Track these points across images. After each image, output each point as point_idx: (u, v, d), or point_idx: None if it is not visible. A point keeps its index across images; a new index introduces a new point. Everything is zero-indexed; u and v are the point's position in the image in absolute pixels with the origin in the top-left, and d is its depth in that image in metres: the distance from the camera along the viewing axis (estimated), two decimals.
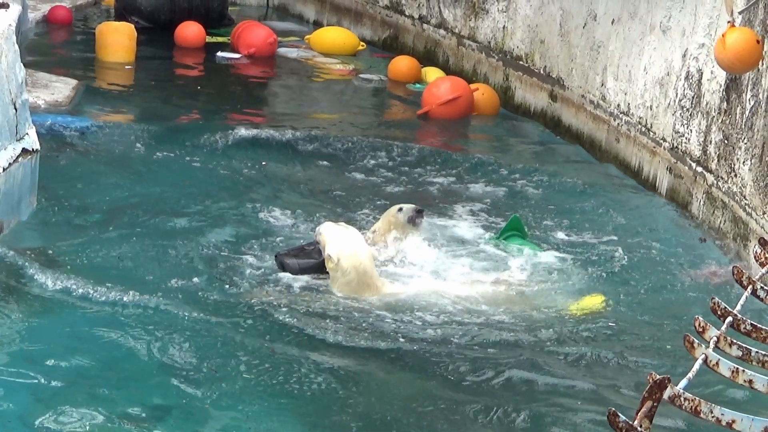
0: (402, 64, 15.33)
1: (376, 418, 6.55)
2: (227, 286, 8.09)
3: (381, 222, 9.18)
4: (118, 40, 14.72)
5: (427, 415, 6.65)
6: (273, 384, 6.75)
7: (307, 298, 8.06)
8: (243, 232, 9.21)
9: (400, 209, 9.12)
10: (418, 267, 8.75)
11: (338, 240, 8.26)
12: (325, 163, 11.55)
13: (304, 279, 8.29)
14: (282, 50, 16.23)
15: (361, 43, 16.71)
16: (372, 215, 9.86)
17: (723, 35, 9.17)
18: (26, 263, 8.02)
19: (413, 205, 9.21)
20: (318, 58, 16.12)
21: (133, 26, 15.07)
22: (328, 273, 8.27)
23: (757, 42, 9.02)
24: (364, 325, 7.72)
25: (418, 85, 14.81)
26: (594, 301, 8.41)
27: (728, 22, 9.34)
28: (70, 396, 6.35)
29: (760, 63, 9.24)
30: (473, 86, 13.99)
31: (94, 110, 12.34)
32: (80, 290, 7.66)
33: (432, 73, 15.00)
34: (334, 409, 6.56)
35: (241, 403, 6.47)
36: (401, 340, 7.57)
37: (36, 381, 6.47)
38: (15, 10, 9.54)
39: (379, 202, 10.25)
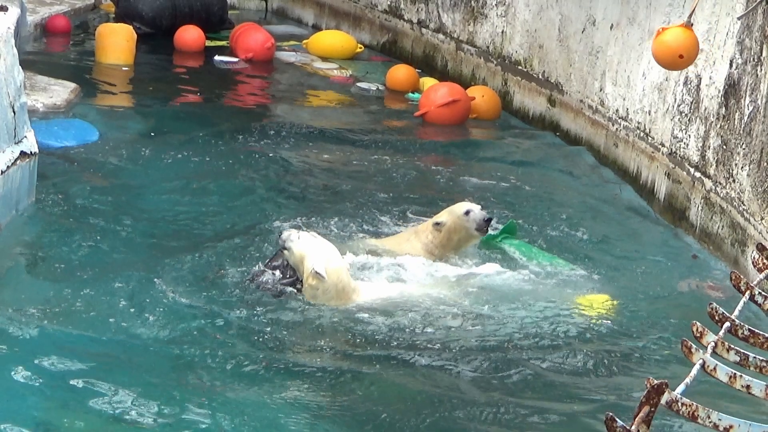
0: (400, 72, 15.27)
1: (370, 425, 6.55)
2: (221, 295, 8.02)
3: (447, 217, 8.87)
4: (115, 41, 14.71)
5: (418, 420, 6.63)
6: (268, 394, 6.72)
7: (291, 309, 7.93)
8: (241, 234, 9.20)
9: (467, 212, 8.83)
10: (410, 266, 8.68)
11: (320, 255, 7.90)
12: (324, 162, 11.57)
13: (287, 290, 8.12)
14: (280, 54, 16.24)
15: (359, 45, 16.71)
16: (371, 215, 9.86)
17: (662, 29, 9.00)
18: (22, 265, 8.02)
19: (481, 211, 8.89)
20: (316, 63, 16.10)
21: (131, 27, 15.07)
22: (296, 286, 7.95)
23: (680, 57, 8.84)
24: (351, 332, 7.67)
25: (416, 95, 14.79)
26: (600, 299, 8.41)
27: (684, 22, 9.21)
28: (65, 406, 6.36)
29: (759, 67, 9.24)
30: (471, 94, 13.94)
31: (93, 113, 12.32)
32: (73, 296, 7.65)
33: (429, 84, 14.97)
34: (326, 416, 6.55)
35: (237, 412, 6.45)
36: (388, 346, 7.53)
37: (28, 390, 6.46)
38: (14, 13, 9.53)
39: (377, 201, 10.28)
